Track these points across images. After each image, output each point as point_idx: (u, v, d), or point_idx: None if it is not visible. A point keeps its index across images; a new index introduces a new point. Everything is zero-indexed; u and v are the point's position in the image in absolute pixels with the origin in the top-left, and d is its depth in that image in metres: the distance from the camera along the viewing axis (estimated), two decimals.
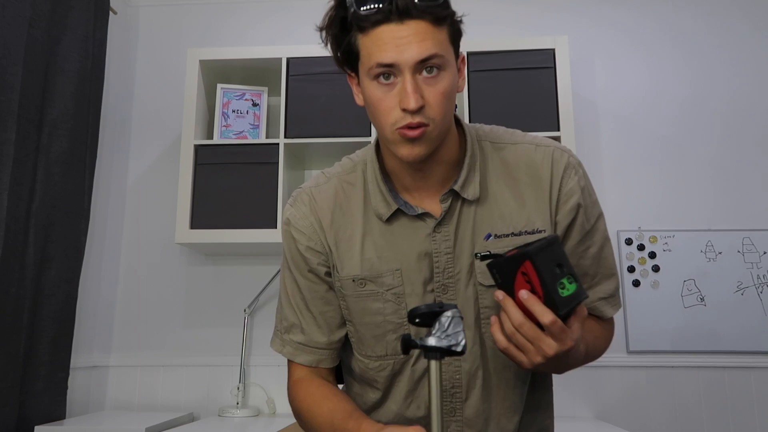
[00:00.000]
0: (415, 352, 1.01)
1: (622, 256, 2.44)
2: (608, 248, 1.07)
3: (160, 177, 2.65)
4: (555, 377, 2.31)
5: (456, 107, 1.14)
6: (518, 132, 1.08)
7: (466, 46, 2.32)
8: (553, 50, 2.29)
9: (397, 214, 1.01)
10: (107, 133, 2.62)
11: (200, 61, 2.41)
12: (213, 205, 2.28)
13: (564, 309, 0.85)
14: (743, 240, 2.42)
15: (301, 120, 2.32)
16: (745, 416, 2.31)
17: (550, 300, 0.85)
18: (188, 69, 2.40)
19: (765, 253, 2.41)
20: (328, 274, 1.05)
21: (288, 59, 2.37)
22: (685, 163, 2.53)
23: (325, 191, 1.06)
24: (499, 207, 1.00)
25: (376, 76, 0.90)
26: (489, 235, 0.99)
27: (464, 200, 1.00)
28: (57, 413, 2.16)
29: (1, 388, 1.91)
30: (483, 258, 0.90)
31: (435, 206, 1.01)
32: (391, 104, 0.90)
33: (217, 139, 2.38)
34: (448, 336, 0.81)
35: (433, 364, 0.82)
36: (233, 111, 2.45)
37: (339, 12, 0.91)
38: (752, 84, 2.58)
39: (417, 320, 0.84)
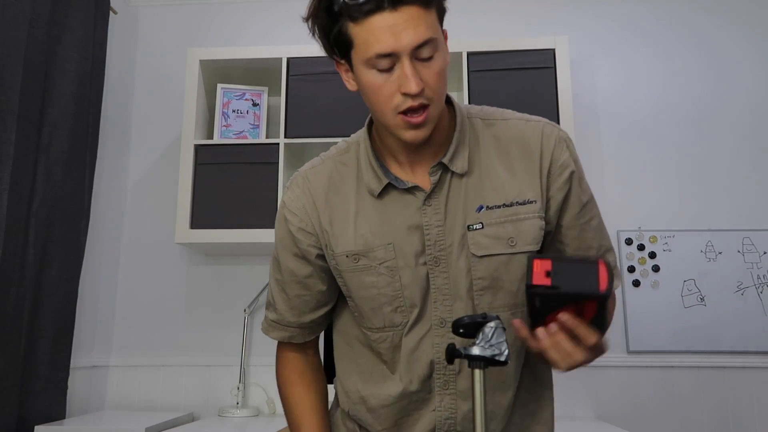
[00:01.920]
0: (407, 323, 1.03)
1: (622, 256, 2.44)
2: (603, 221, 1.12)
3: (160, 177, 2.65)
4: (554, 374, 2.31)
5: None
6: (507, 110, 1.10)
7: (466, 46, 2.33)
8: (553, 50, 2.30)
9: (389, 189, 1.03)
10: (107, 133, 2.62)
11: (200, 61, 2.41)
12: (213, 205, 2.28)
13: (605, 330, 0.89)
14: (743, 240, 2.42)
15: (301, 120, 2.32)
16: (745, 416, 2.31)
17: (597, 326, 0.87)
18: (188, 69, 2.40)
19: (765, 253, 2.41)
20: (319, 256, 1.08)
21: (288, 59, 2.37)
22: (685, 162, 2.52)
23: (320, 172, 1.09)
24: (491, 179, 1.02)
25: (375, 65, 0.91)
26: (481, 207, 1.01)
27: (454, 174, 1.02)
28: (57, 413, 2.16)
29: (1, 388, 1.91)
30: (531, 288, 0.83)
31: (425, 180, 1.03)
32: (391, 89, 0.92)
33: (217, 139, 2.38)
34: (491, 346, 0.83)
35: (477, 373, 0.83)
36: (233, 111, 2.45)
37: (324, 1, 0.92)
38: (753, 83, 2.57)
39: (461, 330, 0.85)
